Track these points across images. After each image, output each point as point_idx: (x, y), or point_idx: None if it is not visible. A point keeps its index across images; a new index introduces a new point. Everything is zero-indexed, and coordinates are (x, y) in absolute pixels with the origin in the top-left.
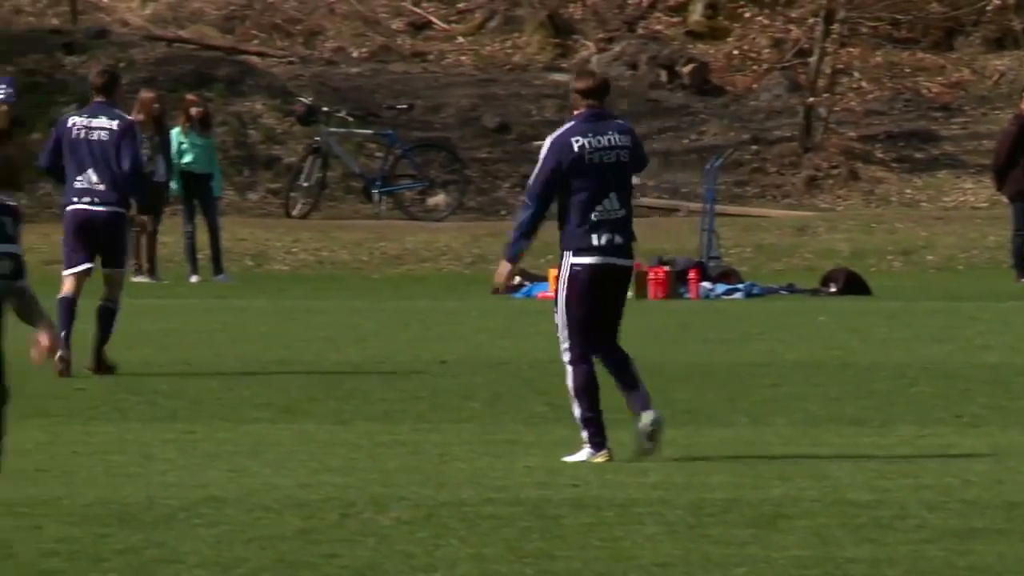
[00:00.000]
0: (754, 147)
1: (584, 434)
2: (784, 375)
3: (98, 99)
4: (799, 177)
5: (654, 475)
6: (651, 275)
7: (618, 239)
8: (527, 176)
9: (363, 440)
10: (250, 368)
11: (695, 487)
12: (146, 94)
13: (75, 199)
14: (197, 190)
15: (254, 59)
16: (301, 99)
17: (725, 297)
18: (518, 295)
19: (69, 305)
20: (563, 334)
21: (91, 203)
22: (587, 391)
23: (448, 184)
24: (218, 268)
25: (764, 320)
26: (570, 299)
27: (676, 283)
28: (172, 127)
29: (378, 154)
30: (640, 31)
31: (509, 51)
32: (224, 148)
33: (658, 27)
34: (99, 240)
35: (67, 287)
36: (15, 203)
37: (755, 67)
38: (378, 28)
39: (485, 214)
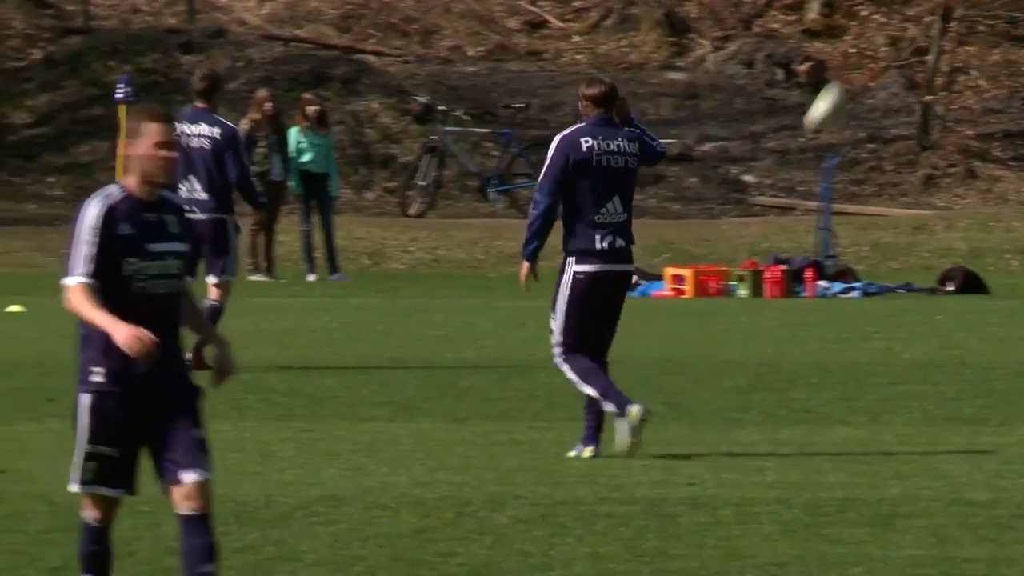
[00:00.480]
0: (871, 145)
1: (608, 407)
2: (901, 374)
3: (199, 103)
4: (916, 176)
5: (771, 474)
6: (767, 274)
7: (619, 242)
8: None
9: (479, 439)
10: (367, 367)
11: (811, 486)
12: (262, 93)
13: None
14: (314, 189)
15: (370, 58)
16: (417, 98)
17: (842, 296)
18: (634, 294)
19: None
20: (557, 337)
21: (191, 212)
22: (592, 370)
23: None
24: (334, 267)
25: (881, 319)
26: (572, 304)
27: (792, 282)
28: (289, 126)
29: (494, 153)
30: (756, 29)
31: (625, 49)
32: (341, 147)
33: (774, 25)
34: (202, 248)
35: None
36: (180, 201)
37: (872, 65)
38: (494, 27)
39: None
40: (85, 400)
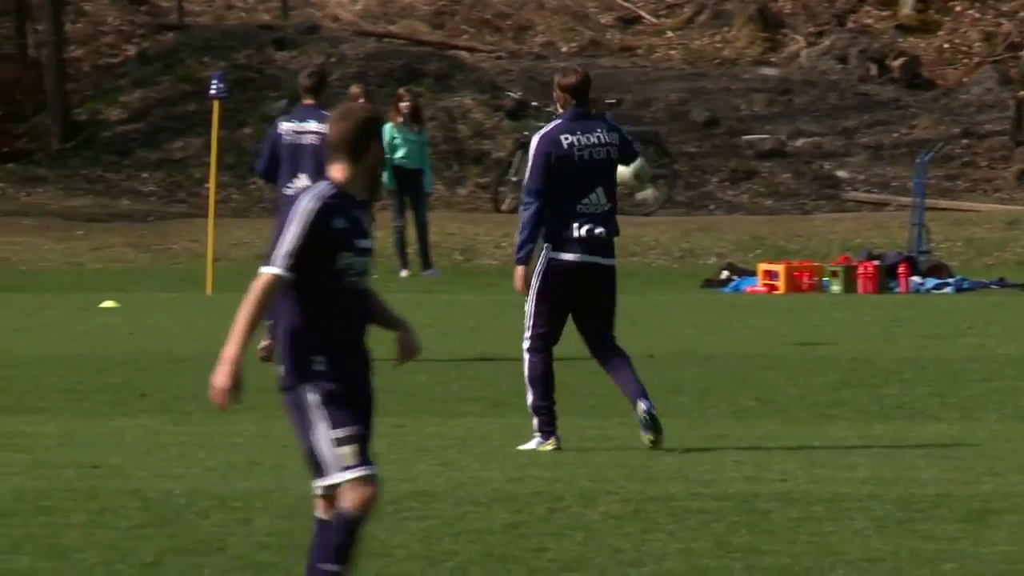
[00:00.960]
0: (964, 141)
1: (535, 422)
2: (994, 370)
3: (306, 100)
4: (1010, 171)
5: (863, 470)
6: (861, 269)
7: (599, 230)
8: (736, 170)
9: (571, 434)
10: (459, 362)
11: (904, 482)
12: (354, 89)
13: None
14: (408, 185)
15: (463, 54)
16: (510, 94)
17: (935, 292)
18: (726, 289)
19: None
20: (528, 322)
21: None
22: (542, 380)
23: (657, 178)
24: (427, 263)
25: (974, 315)
26: (542, 291)
27: (886, 277)
28: (383, 122)
29: None
30: (850, 25)
31: (718, 45)
32: (433, 143)
33: (868, 21)
34: None
35: None
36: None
37: (966, 61)
38: (587, 23)
39: (694, 208)
40: (311, 394)
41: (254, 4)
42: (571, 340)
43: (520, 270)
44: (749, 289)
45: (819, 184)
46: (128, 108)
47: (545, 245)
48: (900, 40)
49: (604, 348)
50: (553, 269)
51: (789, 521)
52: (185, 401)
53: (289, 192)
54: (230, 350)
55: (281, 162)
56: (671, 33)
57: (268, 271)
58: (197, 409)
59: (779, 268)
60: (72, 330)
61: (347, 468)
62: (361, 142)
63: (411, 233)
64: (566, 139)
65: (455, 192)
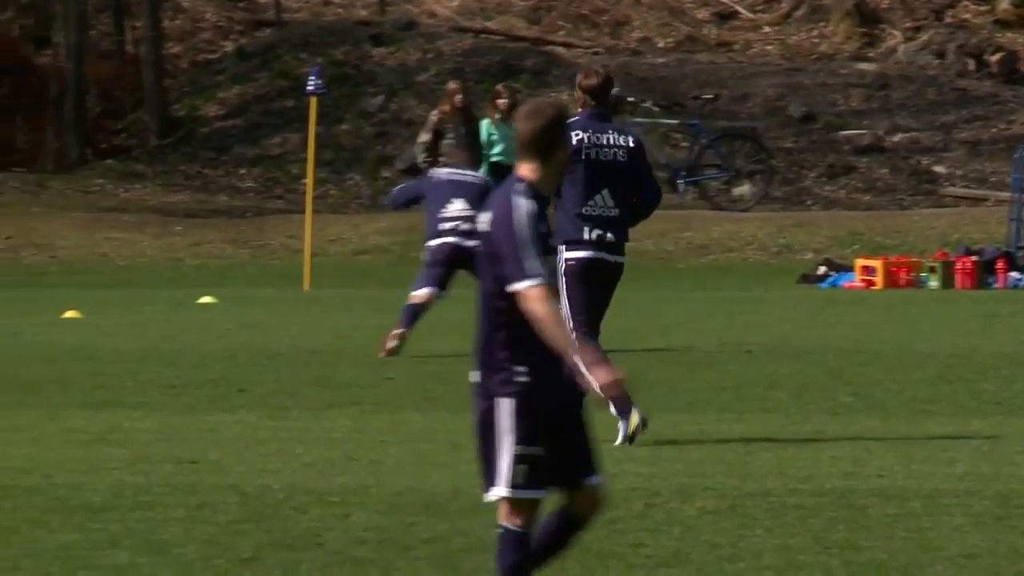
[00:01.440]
0: None
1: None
2: None
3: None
4: None
5: (961, 465)
6: (958, 265)
7: (609, 236)
8: (833, 165)
9: (668, 430)
10: None
11: (1003, 478)
12: (452, 85)
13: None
14: (503, 181)
15: (560, 50)
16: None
17: None
18: (823, 285)
19: (416, 310)
20: (569, 322)
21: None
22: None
23: (754, 174)
24: None
25: None
26: (571, 288)
27: (984, 273)
28: (480, 118)
29: (683, 144)
30: (947, 20)
31: (815, 40)
32: None
33: (966, 16)
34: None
35: (421, 297)
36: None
37: None
38: (684, 18)
39: (791, 204)
40: (508, 404)
41: (351, 0)
42: (669, 335)
43: None
44: (847, 285)
45: (917, 179)
46: (226, 104)
47: (559, 248)
48: (998, 35)
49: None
50: (571, 266)
51: (887, 517)
52: (283, 396)
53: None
54: (587, 356)
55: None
56: (768, 28)
57: (532, 283)
58: (294, 405)
59: (877, 264)
60: (170, 326)
61: (515, 487)
62: (551, 140)
63: None
64: (576, 135)
65: None
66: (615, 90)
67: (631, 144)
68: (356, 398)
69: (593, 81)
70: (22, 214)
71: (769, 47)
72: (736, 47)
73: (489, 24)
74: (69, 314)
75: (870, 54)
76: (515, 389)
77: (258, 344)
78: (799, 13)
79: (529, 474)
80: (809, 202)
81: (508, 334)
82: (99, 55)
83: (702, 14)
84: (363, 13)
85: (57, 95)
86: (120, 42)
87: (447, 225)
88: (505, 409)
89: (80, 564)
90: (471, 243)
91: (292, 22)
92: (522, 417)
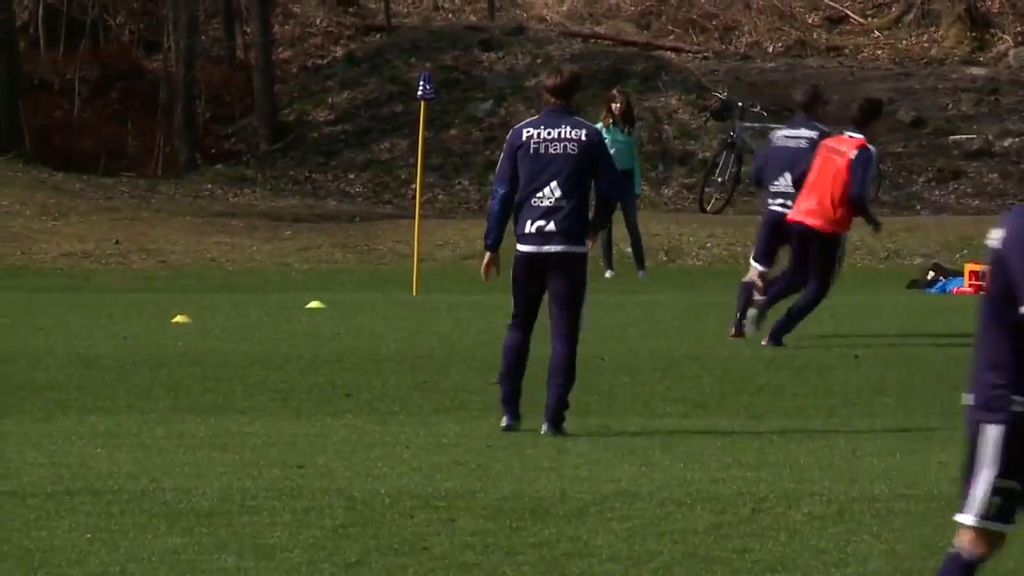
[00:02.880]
0: None
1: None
2: None
3: (800, 114)
4: None
5: None
6: None
7: (550, 227)
8: (943, 170)
9: (775, 434)
10: (662, 363)
11: None
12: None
13: (771, 201)
14: None
15: (669, 54)
16: (716, 94)
17: None
18: (932, 290)
19: (748, 289)
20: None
21: (783, 206)
22: (508, 355)
23: None
24: (640, 264)
25: None
26: (513, 282)
27: None
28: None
29: None
30: None
31: (926, 45)
32: (639, 143)
33: None
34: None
35: (751, 275)
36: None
37: None
38: (794, 23)
39: (900, 208)
40: (996, 431)
41: (461, 5)
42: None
43: (488, 256)
44: (956, 290)
45: None
46: (335, 109)
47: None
48: None
49: (554, 335)
50: (516, 261)
51: None
52: (390, 401)
53: (776, 189)
54: None
55: (768, 164)
56: (878, 33)
57: None
58: (401, 409)
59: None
60: (278, 330)
61: (986, 518)
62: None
63: (617, 233)
64: (527, 131)
65: (660, 193)
66: (724, 94)
67: (584, 137)
68: (463, 403)
69: (553, 80)
70: (132, 219)
71: (879, 51)
72: (846, 51)
73: (598, 29)
74: (178, 319)
75: (980, 59)
76: (1007, 418)
77: (365, 349)
78: (909, 17)
79: (1002, 507)
80: (918, 207)
81: (1012, 359)
82: (210, 60)
83: (812, 18)
84: (472, 18)
85: (167, 100)
86: (231, 47)
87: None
88: (991, 436)
89: (187, 568)
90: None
91: (402, 27)
92: (1008, 448)
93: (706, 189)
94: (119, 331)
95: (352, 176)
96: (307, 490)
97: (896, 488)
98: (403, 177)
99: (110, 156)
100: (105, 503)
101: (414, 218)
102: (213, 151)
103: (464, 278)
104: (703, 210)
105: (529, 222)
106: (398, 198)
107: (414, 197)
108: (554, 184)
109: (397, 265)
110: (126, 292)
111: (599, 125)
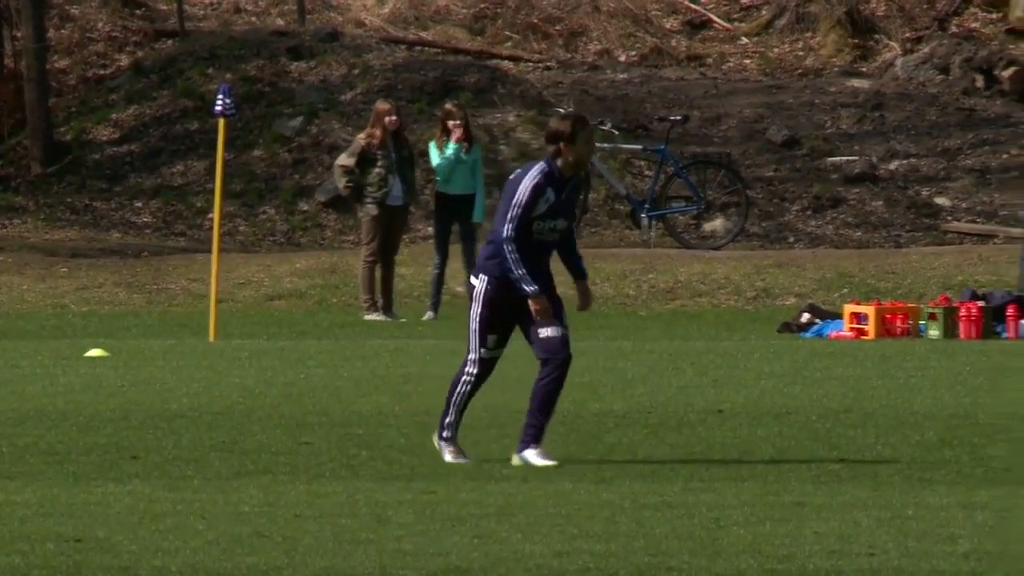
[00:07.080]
0: None
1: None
2: None
3: None
4: None
5: (964, 543)
6: (963, 312)
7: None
8: (819, 197)
9: (627, 501)
10: (499, 419)
11: (1012, 557)
12: (382, 105)
13: None
14: (456, 214)
15: (507, 64)
16: (560, 109)
17: None
18: (807, 335)
19: None
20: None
21: None
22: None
23: (728, 207)
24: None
25: None
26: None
27: (992, 321)
28: (428, 139)
29: (647, 173)
30: (952, 29)
31: (800, 53)
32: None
33: (974, 24)
34: None
35: None
36: None
37: None
38: (649, 28)
39: (770, 241)
40: None
41: (266, 8)
42: (629, 393)
43: (540, 299)
44: (834, 334)
45: (915, 213)
46: (120, 127)
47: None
48: (1010, 47)
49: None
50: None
51: None
52: (182, 464)
53: None
54: None
55: None
56: (746, 39)
57: None
58: (196, 473)
59: (868, 310)
60: (54, 382)
61: None
62: None
63: (450, 269)
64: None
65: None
66: (569, 110)
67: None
68: (267, 466)
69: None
70: None
71: (747, 61)
72: (709, 61)
73: (425, 35)
74: None
75: (863, 69)
76: None
77: (155, 404)
78: (781, 22)
79: None
80: (791, 239)
81: None
82: None
83: (670, 23)
84: (279, 22)
85: None
86: None
87: None
88: None
89: None
90: None
91: (197, 32)
92: None
93: None
94: None
95: (139, 204)
96: (85, 567)
97: (765, 563)
98: (199, 205)
99: None
100: None
101: (211, 252)
102: None
103: (269, 322)
104: None
105: None
106: (193, 229)
107: (211, 228)
108: None
109: (191, 307)
110: None
111: (432, 144)
